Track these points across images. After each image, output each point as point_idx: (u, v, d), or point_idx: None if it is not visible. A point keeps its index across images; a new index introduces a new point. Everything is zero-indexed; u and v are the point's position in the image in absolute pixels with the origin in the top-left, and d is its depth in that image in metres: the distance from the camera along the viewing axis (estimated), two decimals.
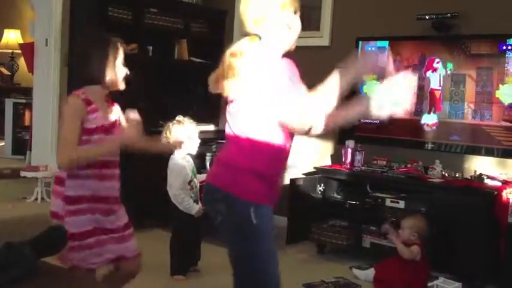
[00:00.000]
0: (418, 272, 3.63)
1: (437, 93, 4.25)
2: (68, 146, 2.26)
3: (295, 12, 2.04)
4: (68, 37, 4.91)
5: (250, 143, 1.98)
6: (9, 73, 7.28)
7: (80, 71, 2.44)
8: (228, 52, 2.04)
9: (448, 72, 4.18)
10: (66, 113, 2.31)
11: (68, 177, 2.33)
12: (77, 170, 2.31)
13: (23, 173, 4.72)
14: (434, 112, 4.24)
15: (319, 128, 1.94)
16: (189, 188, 3.67)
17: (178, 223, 3.72)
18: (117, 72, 2.39)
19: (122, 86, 2.43)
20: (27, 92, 6.14)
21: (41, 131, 5.08)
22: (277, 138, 2.01)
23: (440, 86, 4.23)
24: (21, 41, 6.99)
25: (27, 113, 6.17)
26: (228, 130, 2.07)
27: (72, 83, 4.88)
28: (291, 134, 2.05)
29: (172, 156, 3.71)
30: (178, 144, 3.61)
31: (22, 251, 1.88)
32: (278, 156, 2.05)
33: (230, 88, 1.99)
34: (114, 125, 2.43)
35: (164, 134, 3.67)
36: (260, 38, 2.03)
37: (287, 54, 2.07)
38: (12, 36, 7.17)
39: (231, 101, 2.03)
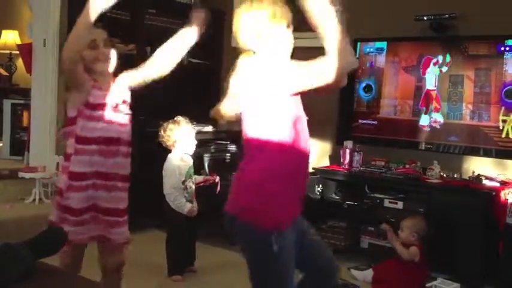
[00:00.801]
0: (417, 272, 3.63)
1: (433, 94, 4.26)
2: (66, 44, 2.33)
3: (287, 26, 2.06)
4: (66, 37, 4.89)
5: (268, 159, 1.98)
6: (7, 74, 7.26)
7: None
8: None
9: (444, 71, 4.19)
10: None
11: (74, 153, 2.39)
12: (82, 145, 2.38)
13: (21, 174, 4.70)
14: (431, 112, 4.25)
15: (354, 60, 1.97)
16: (183, 188, 3.68)
17: (174, 224, 3.72)
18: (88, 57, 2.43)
19: (99, 66, 2.47)
20: (26, 92, 6.13)
21: (39, 132, 5.07)
22: (292, 145, 1.99)
23: (435, 86, 4.24)
24: (19, 42, 6.97)
25: (25, 114, 6.15)
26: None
27: None
28: (305, 141, 2.04)
29: (169, 156, 3.73)
30: (173, 144, 3.66)
31: (20, 252, 1.88)
32: (297, 168, 2.04)
33: (233, 108, 2.03)
34: (119, 103, 2.49)
35: (160, 134, 3.71)
36: (254, 53, 2.05)
37: None
38: (10, 37, 7.16)
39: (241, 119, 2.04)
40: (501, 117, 3.97)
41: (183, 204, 3.66)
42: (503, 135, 3.95)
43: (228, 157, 4.98)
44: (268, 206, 1.95)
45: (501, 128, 3.95)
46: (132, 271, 3.78)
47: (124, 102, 2.53)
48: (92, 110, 2.40)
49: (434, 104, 4.24)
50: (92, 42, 2.45)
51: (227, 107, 2.09)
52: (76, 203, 2.39)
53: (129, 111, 2.55)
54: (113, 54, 2.51)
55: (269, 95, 1.97)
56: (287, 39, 2.07)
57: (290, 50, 2.09)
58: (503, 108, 3.96)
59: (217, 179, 4.01)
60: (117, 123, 2.46)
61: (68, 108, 2.49)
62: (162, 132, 3.71)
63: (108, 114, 2.44)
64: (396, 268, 3.66)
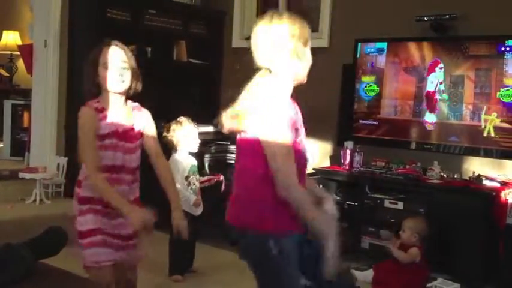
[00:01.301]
0: (417, 273, 3.63)
1: (434, 95, 4.26)
2: (89, 164, 2.30)
3: (305, 44, 1.99)
4: (67, 38, 4.91)
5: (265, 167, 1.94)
6: (8, 75, 7.28)
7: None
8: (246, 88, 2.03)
9: (445, 79, 4.19)
10: (82, 124, 2.34)
11: (84, 179, 2.39)
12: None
13: (21, 175, 4.71)
14: (432, 113, 4.26)
15: (291, 192, 1.89)
16: (186, 184, 3.70)
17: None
18: (106, 74, 2.35)
19: (115, 87, 2.38)
20: (26, 93, 6.14)
21: (39, 133, 5.08)
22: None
23: (436, 89, 4.25)
24: (20, 43, 6.98)
25: (25, 115, 6.17)
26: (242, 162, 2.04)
27: (74, 84, 4.89)
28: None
29: (176, 155, 3.76)
30: (177, 144, 3.70)
31: (21, 252, 1.88)
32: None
33: (244, 123, 1.98)
34: (129, 130, 2.42)
35: (164, 134, 3.74)
36: (270, 71, 1.99)
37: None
38: (11, 38, 7.17)
39: (242, 132, 2.01)
40: (483, 117, 3.98)
41: (187, 197, 3.66)
42: (485, 134, 3.97)
43: (229, 158, 4.99)
44: (276, 213, 1.94)
45: (483, 127, 3.97)
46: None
47: (132, 130, 2.45)
48: (100, 141, 2.35)
49: (434, 105, 4.24)
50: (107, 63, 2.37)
51: (227, 122, 2.05)
52: (85, 226, 2.37)
53: (138, 141, 2.48)
54: (127, 75, 2.42)
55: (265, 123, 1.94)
56: (305, 56, 2.00)
57: (307, 69, 2.03)
58: (485, 107, 3.98)
59: (222, 177, 4.05)
60: (122, 151, 2.41)
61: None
62: (165, 133, 3.75)
63: (114, 142, 2.38)
64: (397, 269, 3.65)
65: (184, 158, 3.75)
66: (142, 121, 2.48)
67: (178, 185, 3.63)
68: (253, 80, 2.02)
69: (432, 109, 4.25)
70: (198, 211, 3.74)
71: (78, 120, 2.35)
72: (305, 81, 2.04)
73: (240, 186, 2.03)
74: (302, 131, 2.01)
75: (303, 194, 1.91)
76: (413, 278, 3.59)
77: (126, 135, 2.40)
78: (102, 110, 2.35)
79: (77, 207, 2.39)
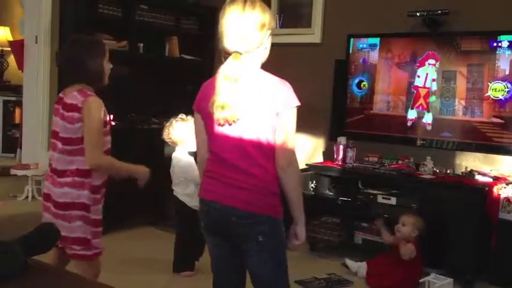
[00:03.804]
0: (411, 267, 3.65)
1: (422, 91, 4.26)
2: (98, 150, 2.47)
3: (271, 32, 2.10)
4: (58, 34, 4.88)
5: (270, 161, 2.03)
6: None
7: (77, 74, 2.56)
8: (220, 76, 2.03)
9: (436, 72, 4.20)
10: (97, 114, 2.48)
11: (93, 168, 2.51)
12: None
13: (13, 171, 4.69)
14: (422, 108, 4.27)
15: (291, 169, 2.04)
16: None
17: (185, 220, 3.72)
18: (107, 70, 2.62)
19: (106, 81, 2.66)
20: (17, 89, 6.10)
21: (31, 129, 5.05)
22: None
23: (425, 84, 4.25)
24: (10, 39, 6.93)
25: (17, 111, 6.14)
26: (232, 150, 2.05)
27: (63, 81, 4.86)
28: None
29: (175, 154, 3.72)
30: (180, 141, 3.66)
31: (12, 249, 1.87)
32: None
33: (235, 109, 1.99)
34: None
35: (167, 131, 3.70)
36: (241, 54, 2.02)
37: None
38: (2, 34, 7.11)
39: (234, 122, 2.01)
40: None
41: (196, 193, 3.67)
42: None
43: None
44: (276, 201, 2.09)
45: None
46: (137, 268, 3.81)
47: None
48: (105, 127, 2.54)
49: (424, 101, 4.25)
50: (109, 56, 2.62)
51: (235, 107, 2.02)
52: (100, 214, 2.59)
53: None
54: None
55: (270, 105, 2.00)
56: (269, 45, 2.10)
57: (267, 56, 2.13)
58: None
59: None
60: (109, 136, 2.62)
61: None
62: (169, 130, 3.69)
63: (107, 128, 2.59)
64: (390, 263, 3.68)
65: (189, 156, 3.70)
66: None
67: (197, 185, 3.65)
68: (227, 66, 2.03)
69: (423, 104, 4.26)
70: None
71: (87, 109, 2.46)
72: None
73: (247, 175, 2.04)
74: None
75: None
76: (407, 273, 3.61)
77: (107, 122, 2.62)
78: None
79: (91, 197, 2.50)
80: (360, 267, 3.87)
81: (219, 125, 2.04)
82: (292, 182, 2.05)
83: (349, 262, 3.96)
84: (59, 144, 2.53)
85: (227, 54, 2.05)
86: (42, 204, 2.62)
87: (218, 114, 2.02)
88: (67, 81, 2.61)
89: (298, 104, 2.01)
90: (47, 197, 2.57)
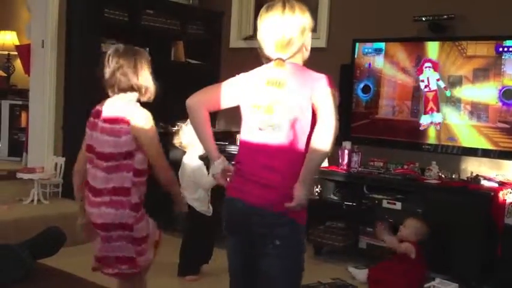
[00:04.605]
0: (415, 273, 3.64)
1: (430, 95, 4.26)
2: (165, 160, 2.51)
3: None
4: (65, 39, 4.90)
5: (299, 161, 1.98)
6: (6, 75, 7.26)
7: (121, 85, 2.49)
8: (264, 80, 2.01)
9: (439, 76, 4.20)
10: (150, 126, 2.47)
11: (133, 186, 2.43)
12: (140, 178, 2.46)
13: (19, 175, 4.70)
14: (427, 113, 4.26)
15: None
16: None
17: (192, 224, 3.73)
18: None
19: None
20: (24, 93, 6.12)
21: (37, 133, 5.06)
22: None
23: (428, 87, 4.25)
24: (17, 43, 6.96)
25: (23, 115, 6.16)
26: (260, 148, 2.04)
27: (72, 84, 4.88)
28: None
29: (185, 157, 3.74)
30: (192, 145, 3.67)
31: (19, 253, 1.88)
32: None
33: (277, 115, 1.99)
34: None
35: (177, 136, 3.72)
36: (284, 61, 2.00)
37: None
38: (8, 38, 7.15)
39: (272, 127, 2.00)
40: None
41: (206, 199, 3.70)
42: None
43: (228, 157, 4.98)
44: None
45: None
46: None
47: None
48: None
49: (431, 105, 4.25)
50: None
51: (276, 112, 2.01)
52: (142, 232, 2.50)
53: None
54: None
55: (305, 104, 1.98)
56: (310, 44, 2.09)
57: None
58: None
59: None
60: None
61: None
62: (180, 134, 3.71)
63: None
64: (394, 268, 3.66)
65: (198, 160, 3.71)
66: None
67: (198, 194, 3.66)
68: (269, 71, 2.01)
69: (429, 109, 4.26)
70: (210, 211, 3.75)
71: (145, 123, 2.45)
72: None
73: (276, 174, 2.02)
74: None
75: None
76: (411, 278, 3.60)
77: None
78: None
79: (130, 215, 2.41)
80: (363, 274, 3.85)
81: (259, 129, 2.03)
82: (321, 158, 2.00)
83: (352, 270, 3.96)
84: (95, 159, 2.41)
85: (268, 60, 2.04)
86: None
87: (260, 118, 2.01)
88: (105, 92, 2.51)
89: (331, 88, 1.97)
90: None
